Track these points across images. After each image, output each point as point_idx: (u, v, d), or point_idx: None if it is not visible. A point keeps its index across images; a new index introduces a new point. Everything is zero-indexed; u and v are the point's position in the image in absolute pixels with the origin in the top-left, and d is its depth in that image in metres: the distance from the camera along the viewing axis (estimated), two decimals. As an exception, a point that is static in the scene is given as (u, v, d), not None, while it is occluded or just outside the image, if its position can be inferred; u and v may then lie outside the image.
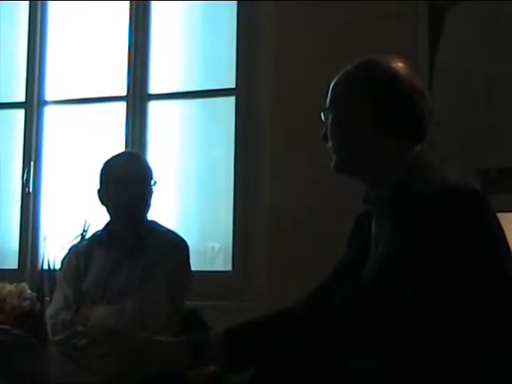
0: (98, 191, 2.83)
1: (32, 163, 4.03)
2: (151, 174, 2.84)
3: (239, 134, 3.69)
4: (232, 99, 3.75)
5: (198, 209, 3.83)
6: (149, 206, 2.83)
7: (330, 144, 1.83)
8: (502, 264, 1.62)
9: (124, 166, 2.83)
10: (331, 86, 1.84)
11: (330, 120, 1.82)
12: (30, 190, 4.00)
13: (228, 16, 3.81)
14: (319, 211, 3.37)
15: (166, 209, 3.65)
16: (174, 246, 2.82)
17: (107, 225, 2.86)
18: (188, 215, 3.80)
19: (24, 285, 3.36)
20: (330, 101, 1.84)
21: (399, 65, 1.80)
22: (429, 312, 1.56)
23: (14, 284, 3.37)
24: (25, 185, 4.01)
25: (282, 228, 3.46)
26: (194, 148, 3.90)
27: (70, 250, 2.91)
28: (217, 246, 3.76)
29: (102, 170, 2.84)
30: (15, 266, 3.96)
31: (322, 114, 1.85)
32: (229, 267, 3.67)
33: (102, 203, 2.83)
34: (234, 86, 3.75)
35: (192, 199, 3.86)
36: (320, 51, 3.45)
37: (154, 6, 3.98)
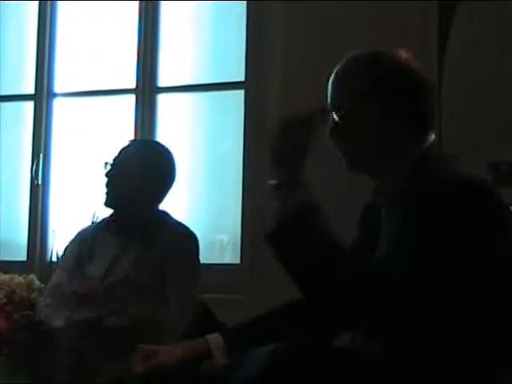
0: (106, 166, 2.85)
1: (41, 155, 4.03)
2: (152, 166, 2.82)
3: (248, 127, 3.69)
4: (241, 92, 3.74)
5: (207, 202, 3.83)
6: (150, 197, 2.82)
7: (338, 142, 1.80)
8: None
9: (124, 154, 2.84)
10: (336, 79, 1.80)
11: (338, 117, 1.78)
12: (39, 183, 4.01)
13: (238, 9, 3.80)
14: (329, 204, 3.36)
15: (175, 201, 3.65)
16: (183, 239, 2.80)
17: (111, 215, 2.87)
18: (197, 208, 3.80)
19: (33, 276, 3.35)
20: (332, 98, 1.80)
21: (406, 57, 1.77)
22: (435, 306, 1.55)
23: (23, 276, 3.37)
24: (34, 177, 4.02)
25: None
26: (203, 141, 3.89)
27: (76, 235, 2.91)
28: (225, 238, 3.76)
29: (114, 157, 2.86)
30: (24, 258, 3.97)
31: (327, 111, 1.81)
32: (237, 260, 3.67)
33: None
34: (243, 79, 3.74)
35: (201, 192, 3.86)
36: (328, 45, 3.43)
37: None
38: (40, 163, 4.02)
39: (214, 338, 1.78)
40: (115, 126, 3.99)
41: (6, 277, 3.35)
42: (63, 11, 4.15)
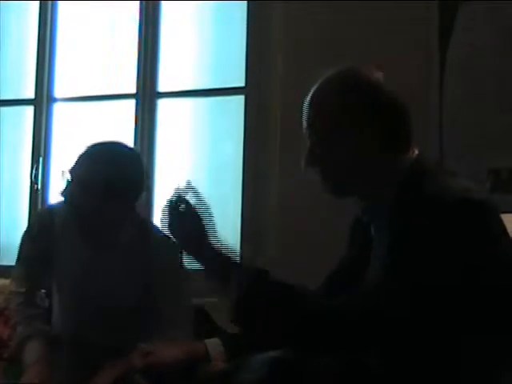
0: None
1: (41, 160, 4.03)
2: (117, 178, 2.39)
3: (249, 132, 3.69)
4: (242, 98, 3.74)
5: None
6: (115, 212, 2.41)
7: (317, 168, 1.76)
8: (503, 275, 1.58)
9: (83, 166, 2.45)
10: (311, 103, 1.76)
11: (314, 144, 1.75)
12: (39, 187, 4.01)
13: (238, 14, 3.81)
14: (328, 210, 3.36)
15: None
16: (167, 246, 2.36)
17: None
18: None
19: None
20: (311, 123, 1.76)
21: (376, 77, 1.73)
22: (426, 326, 1.54)
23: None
24: (33, 181, 4.02)
25: (291, 227, 3.45)
26: (204, 146, 3.89)
27: (42, 212, 2.71)
28: (225, 244, 3.75)
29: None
30: (23, 263, 3.96)
31: (304, 135, 1.77)
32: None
33: None
34: (243, 84, 3.74)
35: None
36: (329, 50, 3.44)
37: (164, 3, 3.98)
38: (40, 168, 4.02)
39: (213, 342, 1.78)
40: (115, 131, 3.98)
41: (6, 281, 3.34)
42: (64, 16, 4.16)
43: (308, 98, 1.77)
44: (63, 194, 2.42)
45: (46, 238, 2.53)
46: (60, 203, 2.52)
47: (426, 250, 1.54)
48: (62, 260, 2.51)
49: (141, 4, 3.98)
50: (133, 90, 3.96)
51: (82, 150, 2.49)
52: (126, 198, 2.42)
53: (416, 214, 1.57)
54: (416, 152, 1.73)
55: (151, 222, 2.64)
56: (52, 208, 2.62)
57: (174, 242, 2.26)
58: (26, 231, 2.67)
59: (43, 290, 2.62)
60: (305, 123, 1.77)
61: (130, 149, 2.62)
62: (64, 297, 2.54)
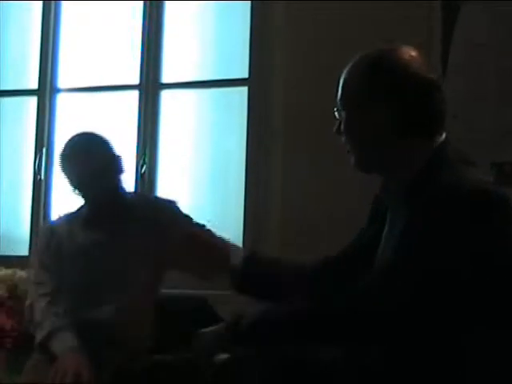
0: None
1: (44, 150, 4.04)
2: (106, 147, 2.71)
3: (252, 124, 3.69)
4: (245, 89, 3.74)
5: (209, 200, 3.83)
6: (113, 177, 2.71)
7: (344, 140, 1.79)
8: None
9: (72, 151, 2.70)
10: (341, 81, 1.79)
11: (343, 117, 1.78)
12: (42, 178, 4.01)
13: (242, 6, 3.80)
14: (331, 203, 3.37)
15: (176, 199, 3.65)
16: (168, 206, 2.77)
17: (82, 207, 2.79)
18: (199, 206, 3.80)
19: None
20: (341, 97, 1.79)
21: (412, 57, 1.75)
22: (429, 316, 1.55)
23: (25, 270, 3.37)
24: (36, 172, 4.02)
25: (293, 220, 3.45)
26: (206, 138, 3.89)
27: (44, 228, 2.87)
28: (226, 237, 3.75)
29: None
30: (26, 253, 3.97)
31: (334, 110, 1.80)
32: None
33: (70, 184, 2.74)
34: (247, 76, 3.74)
35: (203, 190, 3.86)
36: (332, 43, 3.44)
37: (168, -5, 3.98)
38: (43, 158, 4.03)
39: (237, 250, 1.96)
40: (118, 122, 3.98)
41: (8, 271, 3.35)
42: (67, 7, 4.15)
43: (342, 75, 1.81)
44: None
45: (52, 248, 2.72)
46: (59, 219, 2.82)
47: (434, 239, 1.55)
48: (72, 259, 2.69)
49: (145, -5, 3.98)
50: (136, 80, 3.96)
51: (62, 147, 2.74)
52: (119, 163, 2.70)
53: (427, 202, 1.58)
54: (442, 138, 1.74)
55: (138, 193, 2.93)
56: (52, 225, 2.85)
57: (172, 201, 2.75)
58: (37, 244, 2.90)
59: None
60: (337, 96, 1.82)
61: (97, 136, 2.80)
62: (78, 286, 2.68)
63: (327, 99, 3.41)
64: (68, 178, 2.71)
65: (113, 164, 2.70)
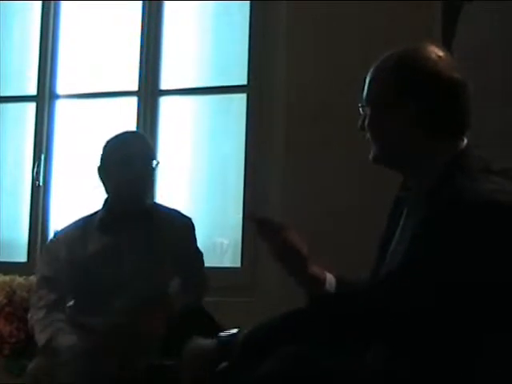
0: (99, 169, 2.81)
1: (42, 156, 4.03)
2: (153, 154, 2.85)
3: (250, 130, 3.69)
4: (244, 96, 3.74)
5: (207, 204, 3.83)
6: (150, 185, 2.85)
7: (368, 135, 1.80)
8: None
9: (125, 144, 2.81)
10: (368, 78, 1.79)
11: (367, 113, 1.78)
12: (41, 183, 4.01)
13: (241, 13, 3.81)
14: (330, 207, 3.37)
15: (175, 204, 3.65)
16: (183, 222, 2.87)
17: (105, 207, 2.83)
18: (198, 211, 3.80)
19: (33, 278, 3.36)
20: (366, 94, 1.79)
21: (438, 56, 1.73)
22: (438, 321, 1.55)
23: (24, 277, 3.37)
24: (35, 178, 4.02)
25: (292, 224, 3.45)
26: (205, 144, 3.89)
27: (54, 238, 2.89)
28: (225, 242, 3.76)
29: (104, 149, 2.83)
30: (24, 259, 3.97)
31: (359, 106, 1.81)
32: (238, 263, 3.67)
33: (102, 182, 2.81)
34: (246, 82, 3.74)
35: (202, 195, 3.86)
36: (332, 49, 3.44)
37: (167, 1, 3.98)
38: (41, 164, 4.02)
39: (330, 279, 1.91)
40: (117, 129, 3.97)
41: (7, 278, 3.36)
42: (66, 13, 4.15)
43: (368, 76, 1.81)
44: (99, 171, 2.79)
45: (62, 258, 2.77)
46: (68, 226, 2.86)
47: (445, 248, 1.54)
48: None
49: (143, 2, 3.98)
50: (135, 87, 3.96)
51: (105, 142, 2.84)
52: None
53: (440, 211, 1.58)
54: (465, 143, 1.73)
55: (159, 204, 2.96)
56: (60, 235, 2.89)
57: (188, 218, 2.87)
58: (41, 258, 2.97)
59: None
60: (363, 98, 1.82)
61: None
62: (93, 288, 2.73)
63: (327, 105, 3.44)
64: (109, 171, 2.76)
65: (152, 179, 2.83)
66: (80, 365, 2.51)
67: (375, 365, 1.63)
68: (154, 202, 2.93)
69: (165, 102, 3.94)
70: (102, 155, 2.82)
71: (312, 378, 1.56)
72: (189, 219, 2.89)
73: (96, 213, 2.84)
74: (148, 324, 2.59)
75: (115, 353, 2.54)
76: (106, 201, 2.84)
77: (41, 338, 2.62)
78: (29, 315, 2.75)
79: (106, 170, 2.78)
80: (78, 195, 3.99)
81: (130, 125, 3.91)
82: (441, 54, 1.75)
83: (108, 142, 2.83)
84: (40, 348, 2.62)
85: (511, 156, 1.72)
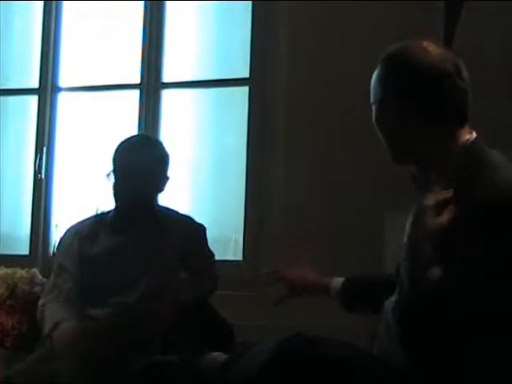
0: (109, 174, 2.80)
1: (45, 150, 4.03)
2: (162, 160, 2.82)
3: (253, 123, 3.69)
4: (246, 89, 3.74)
5: (209, 199, 3.83)
6: (150, 192, 2.80)
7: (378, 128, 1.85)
8: None
9: (127, 150, 2.79)
10: (373, 77, 1.84)
11: (374, 107, 1.84)
12: (43, 177, 4.01)
13: (243, 6, 3.80)
14: (332, 200, 3.37)
15: (177, 198, 3.65)
16: (195, 227, 2.87)
17: (116, 208, 2.84)
18: (199, 205, 3.80)
19: (35, 270, 3.36)
20: (372, 93, 1.84)
21: (424, 49, 1.77)
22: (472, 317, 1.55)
23: (25, 270, 3.37)
24: (37, 171, 4.02)
25: (294, 218, 3.45)
26: (207, 137, 3.89)
27: (68, 230, 2.88)
28: (229, 235, 3.75)
29: (114, 152, 2.82)
30: (26, 252, 3.98)
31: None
32: (239, 257, 3.67)
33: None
34: (248, 75, 3.74)
35: (204, 189, 3.86)
36: (333, 41, 3.44)
37: (169, -6, 3.98)
38: (43, 157, 4.02)
39: (336, 282, 2.10)
40: (119, 121, 3.98)
41: (9, 270, 3.35)
42: (69, 5, 4.15)
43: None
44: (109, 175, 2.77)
45: (74, 250, 2.79)
46: (83, 222, 2.87)
47: (471, 244, 1.55)
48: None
49: (146, -6, 3.98)
50: (137, 80, 3.96)
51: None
52: (165, 175, 2.81)
53: (472, 206, 1.58)
54: (473, 136, 1.76)
55: (170, 208, 2.93)
56: (76, 228, 2.88)
57: (200, 224, 2.87)
58: (57, 248, 2.99)
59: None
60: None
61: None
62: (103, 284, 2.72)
63: (328, 99, 3.43)
64: (117, 169, 2.76)
65: (160, 180, 2.80)
66: (85, 352, 2.51)
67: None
68: (167, 208, 2.91)
69: (167, 95, 3.94)
70: (112, 159, 2.82)
71: None
72: (201, 225, 2.89)
73: (108, 212, 2.86)
74: (157, 305, 2.60)
75: (117, 340, 2.54)
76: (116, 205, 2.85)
77: (46, 327, 2.62)
78: (40, 302, 2.75)
79: (113, 172, 2.80)
80: (80, 188, 3.99)
81: (132, 118, 3.92)
82: (426, 46, 1.78)
83: (118, 146, 2.83)
84: (45, 335, 2.62)
85: (511, 156, 1.73)
